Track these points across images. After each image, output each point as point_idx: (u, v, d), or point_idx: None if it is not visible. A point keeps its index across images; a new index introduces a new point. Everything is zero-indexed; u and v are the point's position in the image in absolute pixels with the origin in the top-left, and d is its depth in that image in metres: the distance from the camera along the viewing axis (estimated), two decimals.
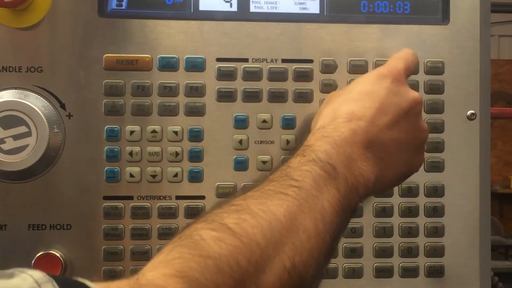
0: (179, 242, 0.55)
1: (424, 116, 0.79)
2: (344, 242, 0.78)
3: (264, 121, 0.77)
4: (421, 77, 0.79)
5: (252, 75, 0.77)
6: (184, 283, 0.50)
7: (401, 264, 0.79)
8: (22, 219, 0.74)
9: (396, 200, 0.79)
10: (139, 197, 0.76)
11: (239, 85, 0.77)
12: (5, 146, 0.71)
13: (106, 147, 0.75)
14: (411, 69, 0.74)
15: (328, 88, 0.78)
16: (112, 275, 0.75)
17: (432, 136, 0.79)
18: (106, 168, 0.75)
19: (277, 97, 0.77)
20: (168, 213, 0.76)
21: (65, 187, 0.74)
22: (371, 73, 0.72)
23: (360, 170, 0.64)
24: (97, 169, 0.75)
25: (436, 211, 0.79)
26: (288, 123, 0.77)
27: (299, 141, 0.75)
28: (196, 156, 0.76)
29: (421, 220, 0.79)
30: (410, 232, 0.79)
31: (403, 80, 0.71)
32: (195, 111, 0.76)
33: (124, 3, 0.76)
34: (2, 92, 0.73)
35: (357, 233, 0.78)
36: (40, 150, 0.72)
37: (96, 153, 0.75)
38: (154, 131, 0.76)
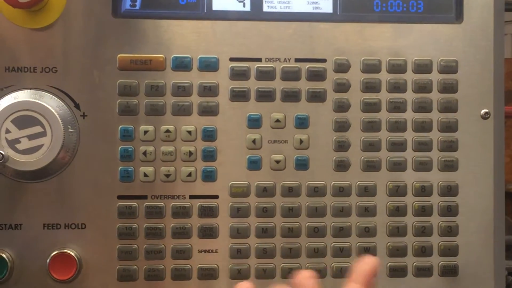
0: None
1: (438, 115, 0.79)
2: (357, 242, 0.78)
3: (278, 120, 0.77)
4: (435, 76, 0.79)
5: (265, 75, 0.77)
6: None
7: (415, 263, 0.79)
8: (37, 218, 0.74)
9: (409, 199, 0.79)
10: (153, 197, 0.76)
11: (253, 84, 0.77)
12: (20, 146, 0.72)
13: (120, 147, 0.75)
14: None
15: (342, 87, 0.78)
16: (126, 274, 0.75)
17: (446, 135, 0.79)
18: (120, 167, 0.75)
19: (291, 96, 0.77)
20: (181, 212, 0.76)
21: (80, 186, 0.75)
22: None
23: None
24: (111, 169, 0.75)
25: (450, 210, 0.79)
26: (302, 123, 0.77)
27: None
28: (209, 156, 0.76)
29: (435, 219, 0.79)
30: (424, 231, 0.79)
31: None
32: (209, 111, 0.76)
33: (137, 4, 0.77)
34: (17, 92, 0.73)
35: (370, 232, 0.78)
36: (55, 150, 0.72)
37: (110, 153, 0.75)
38: (167, 131, 0.76)
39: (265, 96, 0.77)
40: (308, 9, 0.79)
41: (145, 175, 0.76)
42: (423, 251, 0.79)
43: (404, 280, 0.79)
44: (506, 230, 0.81)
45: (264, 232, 0.77)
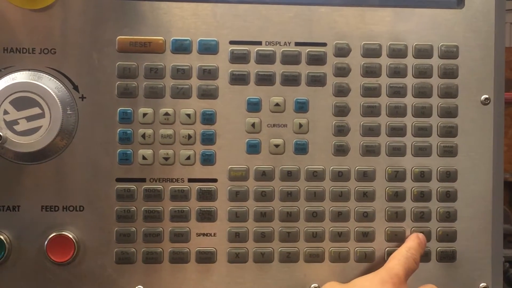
0: None
1: (438, 100, 0.79)
2: (356, 227, 0.78)
3: (277, 104, 0.77)
4: (435, 61, 0.79)
5: (265, 58, 0.77)
6: None
7: None
8: (35, 200, 0.74)
9: (408, 185, 0.79)
10: (151, 180, 0.76)
11: (252, 68, 0.77)
12: (18, 128, 0.72)
13: (119, 129, 0.75)
14: (413, 268, 0.75)
15: (342, 71, 0.78)
16: (124, 257, 0.75)
17: (445, 121, 0.79)
18: (118, 150, 0.75)
19: (290, 80, 0.77)
20: (180, 195, 0.76)
21: (78, 169, 0.75)
22: (374, 278, 0.73)
23: None
24: (110, 151, 0.75)
25: (448, 196, 0.79)
26: (301, 107, 0.77)
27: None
28: (208, 139, 0.76)
29: (434, 205, 0.79)
30: (422, 216, 0.79)
31: (403, 285, 0.73)
32: (208, 94, 0.76)
33: None
34: (15, 73, 0.73)
35: (369, 217, 0.78)
36: (53, 132, 0.72)
37: (109, 135, 0.75)
38: (166, 114, 0.76)
39: (265, 79, 0.77)
40: None
41: (144, 158, 0.75)
42: None
43: None
44: (503, 219, 0.81)
45: (263, 216, 0.77)
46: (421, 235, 0.78)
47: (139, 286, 0.75)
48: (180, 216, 0.76)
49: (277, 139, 0.77)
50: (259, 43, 0.77)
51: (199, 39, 0.76)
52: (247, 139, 0.77)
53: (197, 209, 0.76)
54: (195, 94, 0.76)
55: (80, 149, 0.74)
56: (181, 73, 0.76)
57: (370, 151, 0.78)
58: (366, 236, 0.78)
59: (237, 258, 0.77)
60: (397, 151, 0.78)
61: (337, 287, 0.74)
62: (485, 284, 0.80)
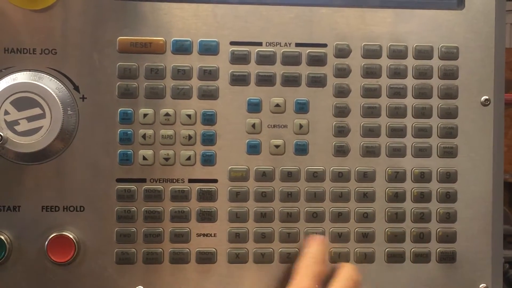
0: None
1: (438, 101, 0.79)
2: (356, 227, 0.78)
3: (277, 105, 0.77)
4: (436, 62, 0.79)
5: (265, 59, 0.77)
6: None
7: (412, 250, 0.79)
8: (35, 200, 0.74)
9: (408, 186, 0.79)
10: (152, 180, 0.76)
11: (253, 68, 0.77)
12: (19, 128, 0.72)
13: (119, 130, 0.75)
14: (322, 271, 0.74)
15: (342, 72, 0.78)
16: (124, 257, 0.75)
17: (445, 122, 0.79)
18: (119, 150, 0.75)
19: (291, 81, 0.77)
20: (180, 196, 0.76)
21: (79, 169, 0.75)
22: None
23: None
24: (110, 152, 0.75)
25: (448, 197, 0.79)
26: (301, 107, 0.77)
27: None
28: (209, 140, 0.76)
29: (434, 206, 0.79)
30: (422, 217, 0.79)
31: None
32: (208, 95, 0.76)
33: None
34: (16, 74, 0.73)
35: (369, 218, 0.78)
36: (54, 132, 0.72)
37: (110, 136, 0.75)
38: (167, 114, 0.76)
39: (265, 80, 0.77)
40: None
41: (144, 158, 0.75)
42: (421, 237, 0.79)
43: (402, 266, 0.79)
44: (503, 220, 0.81)
45: (263, 217, 0.77)
46: (312, 236, 0.77)
47: (139, 287, 0.76)
48: (180, 216, 0.76)
49: (278, 140, 0.77)
50: (260, 44, 0.77)
51: (200, 39, 0.76)
52: (248, 140, 0.77)
53: (197, 209, 0.76)
54: (195, 94, 0.76)
55: (80, 149, 0.74)
56: (182, 73, 0.76)
57: (370, 152, 0.78)
58: (366, 237, 0.78)
59: (237, 259, 0.77)
60: (397, 152, 0.79)
61: None
62: (485, 285, 0.80)
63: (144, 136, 0.75)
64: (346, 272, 0.75)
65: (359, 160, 0.78)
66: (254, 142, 0.77)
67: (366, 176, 0.78)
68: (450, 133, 0.79)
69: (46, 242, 0.74)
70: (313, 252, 0.76)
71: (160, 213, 0.76)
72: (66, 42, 0.74)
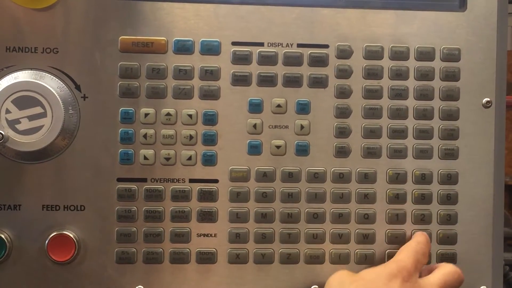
0: None
1: (439, 103, 0.79)
2: (356, 228, 0.78)
3: (279, 105, 0.77)
4: (437, 64, 0.79)
5: (267, 60, 0.77)
6: None
7: None
8: (36, 199, 0.74)
9: (409, 187, 0.79)
10: (152, 180, 0.76)
11: (254, 69, 0.77)
12: (20, 127, 0.72)
13: (120, 129, 0.75)
14: (422, 262, 0.75)
15: (343, 73, 0.78)
16: (125, 257, 0.75)
17: (447, 124, 0.79)
18: (120, 150, 0.75)
19: (292, 82, 0.77)
20: (181, 196, 0.76)
21: (79, 168, 0.75)
22: (382, 271, 0.73)
23: None
24: (111, 151, 0.75)
25: (449, 199, 0.79)
26: (303, 108, 0.77)
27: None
28: (210, 140, 0.76)
29: (434, 208, 0.79)
30: (423, 219, 0.79)
31: (413, 278, 0.72)
32: (210, 95, 0.76)
33: None
34: (18, 72, 0.73)
35: (369, 219, 0.78)
36: (55, 131, 0.72)
37: (111, 135, 0.75)
38: (168, 114, 0.76)
39: (267, 81, 0.77)
40: None
41: (145, 158, 0.75)
42: None
43: None
44: (503, 223, 0.81)
45: (263, 217, 0.77)
46: (420, 232, 0.78)
47: (139, 286, 0.76)
48: (180, 216, 0.76)
49: (279, 140, 0.77)
50: (261, 44, 0.77)
51: (201, 39, 0.76)
52: (249, 140, 0.77)
53: (198, 209, 0.76)
54: (197, 94, 0.76)
55: (81, 148, 0.74)
56: (183, 73, 0.76)
57: (371, 153, 0.78)
58: (367, 238, 0.78)
59: (237, 259, 0.77)
60: (398, 153, 0.78)
61: (346, 276, 0.74)
62: (485, 287, 0.80)
63: (145, 136, 0.75)
64: (450, 267, 0.76)
65: (360, 161, 0.78)
66: (255, 142, 0.77)
67: (367, 177, 0.78)
68: (451, 135, 0.79)
69: (47, 241, 0.74)
70: (423, 242, 0.76)
71: (161, 213, 0.76)
72: (67, 41, 0.74)
